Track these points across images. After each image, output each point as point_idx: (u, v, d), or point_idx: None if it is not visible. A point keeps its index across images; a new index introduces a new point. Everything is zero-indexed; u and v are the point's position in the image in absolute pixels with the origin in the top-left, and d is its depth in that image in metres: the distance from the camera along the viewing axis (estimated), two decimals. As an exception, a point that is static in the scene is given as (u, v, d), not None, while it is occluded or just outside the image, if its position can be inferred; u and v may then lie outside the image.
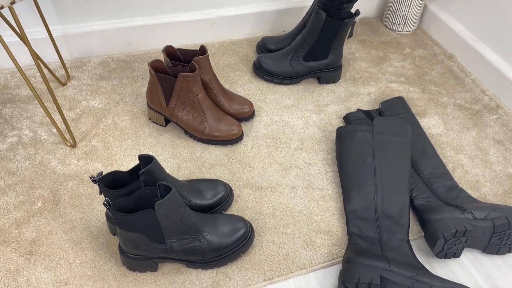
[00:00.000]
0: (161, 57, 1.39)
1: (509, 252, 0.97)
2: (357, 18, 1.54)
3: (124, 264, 0.89)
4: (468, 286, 0.90)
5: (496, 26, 1.33)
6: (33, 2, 1.22)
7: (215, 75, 1.15)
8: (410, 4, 1.49)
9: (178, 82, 1.06)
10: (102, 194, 0.87)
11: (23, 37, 0.95)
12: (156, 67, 1.09)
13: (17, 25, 0.92)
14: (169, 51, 1.12)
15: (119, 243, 0.88)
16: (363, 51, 1.48)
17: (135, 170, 0.86)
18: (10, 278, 0.87)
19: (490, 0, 1.33)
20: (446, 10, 1.51)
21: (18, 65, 0.95)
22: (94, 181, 0.82)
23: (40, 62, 1.22)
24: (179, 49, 1.13)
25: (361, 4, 1.59)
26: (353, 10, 1.62)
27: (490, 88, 1.36)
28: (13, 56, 0.94)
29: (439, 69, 1.43)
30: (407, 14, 1.51)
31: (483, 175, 1.12)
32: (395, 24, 1.55)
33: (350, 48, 1.49)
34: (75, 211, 0.98)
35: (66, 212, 0.98)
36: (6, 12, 1.22)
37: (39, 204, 0.98)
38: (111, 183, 0.85)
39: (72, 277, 0.87)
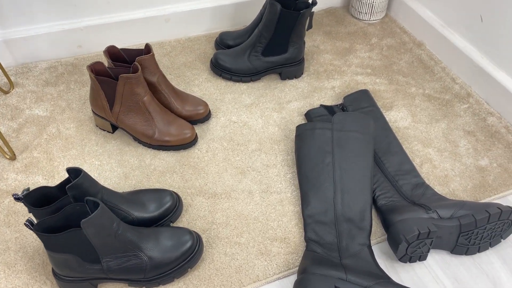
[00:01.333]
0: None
1: (478, 251, 0.91)
2: (314, 8, 1.48)
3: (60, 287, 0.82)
4: (434, 292, 0.84)
5: (464, 11, 1.26)
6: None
7: (163, 75, 1.08)
8: (375, -9, 1.42)
9: (120, 84, 0.98)
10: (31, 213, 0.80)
11: None
12: (97, 70, 1.01)
13: None
14: (112, 52, 1.05)
15: (52, 267, 0.81)
16: (328, 43, 1.41)
17: (64, 184, 0.79)
18: None
19: (456, -17, 1.27)
20: (414, -4, 1.45)
21: None
22: (17, 199, 0.75)
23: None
24: (123, 49, 1.06)
25: (326, -6, 1.52)
26: (310, 0, 1.55)
27: (461, 75, 1.30)
28: None
29: (407, 58, 1.37)
30: (373, 2, 1.44)
31: (452, 169, 1.06)
32: (361, 13, 1.48)
33: (315, 40, 1.42)
34: (10, 230, 0.90)
35: (0, 232, 0.90)
36: None
37: (-29, 225, 0.91)
38: (39, 200, 0.78)
39: (2, 304, 0.80)
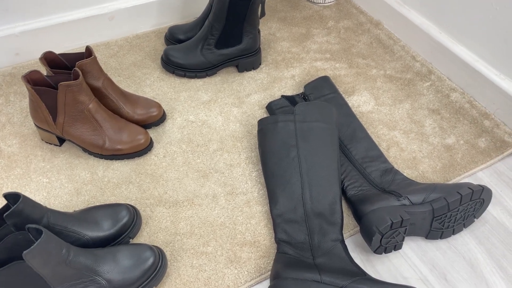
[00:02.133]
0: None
1: (453, 234, 0.89)
2: None
3: (11, 324, 0.74)
4: (411, 283, 0.81)
5: (418, -14, 1.23)
6: None
7: (109, 79, 1.00)
8: (328, -28, 1.37)
9: (60, 93, 0.90)
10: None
11: None
12: (34, 80, 0.92)
13: None
14: (50, 58, 0.96)
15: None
16: (284, 29, 1.36)
17: (2, 212, 0.71)
18: None
19: (409, -42, 1.23)
20: (367, -25, 1.40)
21: None
22: None
23: None
24: (62, 54, 0.97)
25: (277, -22, 1.46)
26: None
27: (421, 53, 1.27)
28: None
29: (366, 40, 1.33)
30: (327, -16, 1.40)
31: (420, 151, 1.03)
32: (316, -5, 1.43)
33: (270, 28, 1.36)
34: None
35: None
36: None
37: None
38: (-25, 232, 0.70)
39: None
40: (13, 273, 0.65)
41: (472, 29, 1.12)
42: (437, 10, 1.20)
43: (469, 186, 0.85)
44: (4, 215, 0.67)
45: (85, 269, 0.71)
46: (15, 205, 0.68)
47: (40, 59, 0.94)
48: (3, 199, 0.91)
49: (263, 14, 1.15)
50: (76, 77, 0.91)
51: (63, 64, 0.98)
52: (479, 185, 0.85)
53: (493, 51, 1.09)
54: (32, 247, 0.63)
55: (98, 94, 0.99)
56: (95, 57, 0.95)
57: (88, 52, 0.96)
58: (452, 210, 0.84)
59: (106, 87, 0.99)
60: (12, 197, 0.70)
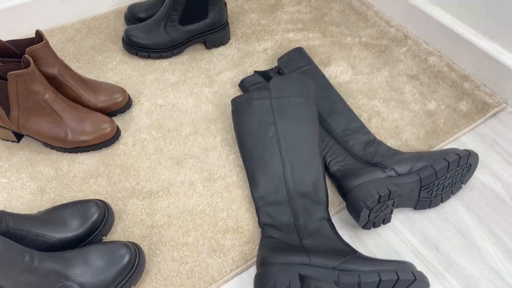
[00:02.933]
0: None
1: (442, 202, 0.86)
2: None
3: None
4: (403, 257, 0.78)
5: None
6: None
7: (65, 65, 0.91)
8: None
9: (11, 85, 0.81)
10: None
11: None
12: (-21, 71, 0.83)
13: None
14: (-4, 46, 0.86)
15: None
16: (251, 1, 1.28)
17: (-47, 221, 0.63)
18: None
19: None
20: None
21: None
22: None
23: None
24: (9, 42, 0.88)
25: None
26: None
27: (395, 17, 1.22)
28: None
29: (338, 7, 1.27)
30: (293, -50, 1.32)
31: (402, 119, 0.99)
32: (282, -37, 1.35)
33: (237, 0, 1.28)
34: None
35: None
36: None
37: None
38: None
39: None
40: (-30, 288, 0.58)
41: (447, -12, 1.08)
42: (410, -30, 1.15)
43: (455, 151, 0.82)
44: (-46, 224, 0.60)
45: (54, 275, 0.65)
46: (-35, 213, 0.61)
47: (-15, 47, 0.84)
48: (-42, 205, 0.83)
49: (228, -15, 1.08)
50: (27, 65, 0.82)
51: (12, 52, 0.89)
52: (465, 150, 0.82)
53: (470, 10, 1.05)
54: (-12, 258, 0.56)
55: (55, 83, 0.90)
56: (47, 42, 0.87)
57: (39, 37, 0.87)
58: (439, 178, 0.81)
59: (63, 74, 0.91)
60: (-38, 204, 0.63)
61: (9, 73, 0.80)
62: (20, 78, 0.81)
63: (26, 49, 0.84)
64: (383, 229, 0.83)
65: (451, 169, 0.81)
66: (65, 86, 0.91)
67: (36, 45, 0.85)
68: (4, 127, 0.90)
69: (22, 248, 0.61)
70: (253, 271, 0.77)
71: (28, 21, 1.15)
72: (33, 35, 1.17)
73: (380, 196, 0.76)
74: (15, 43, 0.88)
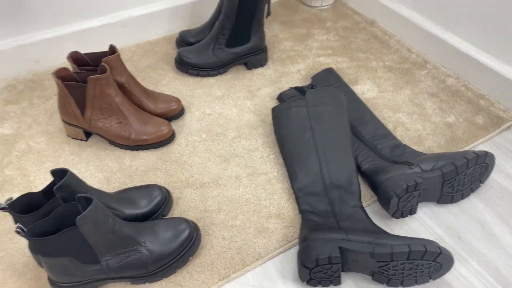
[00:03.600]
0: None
1: (462, 198, 0.95)
2: None
3: (58, 297, 0.78)
4: (429, 239, 0.87)
5: (408, -16, 1.34)
6: None
7: (131, 75, 1.07)
8: (323, -23, 1.47)
9: (89, 87, 0.96)
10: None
11: None
12: (63, 76, 0.98)
13: None
14: (76, 57, 1.02)
15: (47, 276, 0.77)
16: (285, 31, 1.45)
17: (50, 188, 0.76)
18: None
19: (398, -41, 1.34)
20: (359, -22, 1.51)
21: None
22: (2, 208, 0.71)
23: None
24: (86, 54, 1.04)
25: (276, -14, 1.56)
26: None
27: (415, 45, 1.37)
28: None
29: (363, 36, 1.42)
30: (323, -12, 1.50)
31: (424, 129, 1.11)
32: (313, 0, 1.53)
33: (273, 30, 1.45)
34: (-7, 251, 0.85)
35: (-18, 254, 0.85)
36: None
37: (-51, 252, 0.85)
38: (25, 208, 0.74)
39: (-2, 325, 0.75)
40: (65, 239, 0.69)
41: (461, 17, 1.22)
42: (427, 2, 1.30)
43: (474, 151, 0.92)
44: (54, 188, 0.72)
45: (128, 238, 0.76)
46: (63, 179, 0.73)
47: (67, 57, 1.00)
48: (41, 185, 0.96)
49: (269, 13, 1.24)
50: (103, 72, 0.97)
51: (86, 62, 1.04)
52: (483, 150, 0.93)
53: (482, 35, 1.19)
54: (84, 212, 0.68)
55: (122, 90, 1.05)
56: (119, 54, 1.02)
57: (112, 50, 1.03)
58: (460, 174, 0.91)
59: (129, 83, 1.06)
60: (58, 174, 0.75)
61: (90, 76, 0.95)
62: (98, 81, 0.96)
63: (103, 59, 1.00)
64: (410, 219, 0.92)
65: (470, 166, 0.91)
66: (130, 93, 1.06)
67: (111, 56, 1.01)
68: (77, 126, 1.04)
69: (108, 211, 0.73)
70: (295, 250, 0.87)
71: (94, 43, 1.32)
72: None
73: (407, 186, 0.86)
74: (89, 55, 1.04)
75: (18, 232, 0.68)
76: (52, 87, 1.22)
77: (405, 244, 0.76)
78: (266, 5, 1.21)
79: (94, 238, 0.71)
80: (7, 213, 0.91)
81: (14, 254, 0.85)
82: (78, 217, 0.67)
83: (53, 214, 0.71)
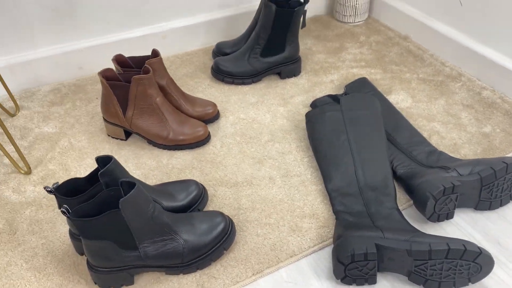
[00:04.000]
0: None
1: (501, 205, 0.93)
2: (307, 6, 1.55)
3: (96, 283, 0.79)
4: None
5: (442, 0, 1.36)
6: (-30, 33, 1.16)
7: (172, 79, 1.11)
8: (357, -7, 1.51)
9: (133, 86, 1.00)
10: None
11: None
12: (107, 76, 1.03)
13: None
14: (120, 60, 1.07)
15: (87, 259, 0.79)
16: (319, 45, 1.48)
17: (94, 175, 0.79)
18: (-35, 319, 0.76)
19: (432, -24, 1.36)
20: (392, -5, 1.54)
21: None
22: (49, 191, 0.74)
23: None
24: (129, 57, 1.09)
25: (309, 3, 1.60)
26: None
27: (449, 59, 1.37)
28: None
29: (396, 50, 1.44)
30: (356, 4, 1.53)
31: (460, 138, 1.10)
32: (346, 16, 1.56)
33: (306, 44, 1.48)
34: (35, 238, 0.88)
35: (25, 240, 0.88)
36: None
37: (-7, 237, 0.89)
38: (70, 193, 0.77)
39: (37, 307, 0.77)
40: (107, 222, 0.71)
41: (495, 30, 1.22)
42: (461, 17, 1.31)
43: (513, 157, 0.91)
44: (99, 172, 0.75)
45: (166, 226, 0.77)
46: (108, 165, 0.76)
47: (112, 60, 1.06)
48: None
49: (303, 25, 1.27)
50: (146, 73, 1.02)
51: (129, 64, 1.09)
52: (522, 156, 0.91)
53: (519, 48, 1.18)
54: (128, 195, 0.70)
55: (162, 92, 1.09)
56: (161, 58, 1.07)
57: (155, 54, 1.08)
58: (499, 179, 0.89)
59: (169, 86, 1.10)
60: (102, 161, 0.78)
61: (133, 76, 0.99)
62: (141, 81, 1.00)
63: (146, 61, 1.04)
64: (446, 224, 0.91)
65: (509, 171, 0.89)
66: (170, 95, 1.10)
67: (154, 58, 1.05)
68: (118, 125, 1.08)
69: (149, 197, 0.75)
70: (329, 249, 0.86)
71: (135, 52, 1.38)
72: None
73: (445, 188, 0.85)
74: (132, 58, 1.09)
75: (63, 213, 0.70)
76: (94, 91, 1.28)
77: (443, 242, 0.75)
78: (302, 16, 1.25)
79: (135, 222, 0.73)
80: (48, 204, 0.94)
81: (54, 242, 0.88)
82: (121, 199, 0.70)
83: (96, 197, 0.73)
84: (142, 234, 0.75)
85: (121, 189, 0.74)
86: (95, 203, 0.73)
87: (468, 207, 0.93)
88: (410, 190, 0.93)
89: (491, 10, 1.22)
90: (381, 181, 0.92)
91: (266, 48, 1.27)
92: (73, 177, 1.00)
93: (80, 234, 0.73)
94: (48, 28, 1.25)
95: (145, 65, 1.02)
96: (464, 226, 0.90)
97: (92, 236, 0.73)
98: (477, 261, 0.75)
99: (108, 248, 0.74)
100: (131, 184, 0.74)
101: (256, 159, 1.05)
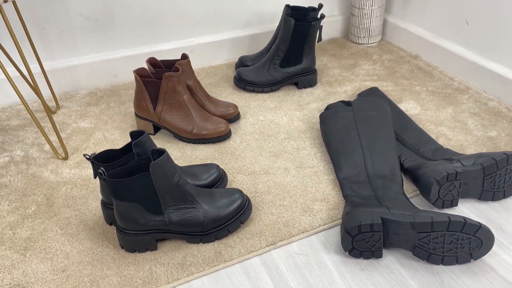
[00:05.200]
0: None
1: (504, 197, 0.98)
2: (323, 21, 1.67)
3: (122, 247, 0.87)
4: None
5: (451, 20, 1.46)
6: (27, 38, 1.31)
7: (198, 81, 1.22)
8: (371, 16, 1.63)
9: (163, 83, 1.12)
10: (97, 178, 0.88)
11: (29, 72, 1.05)
12: (141, 74, 1.15)
13: (23, 62, 1.04)
14: (152, 62, 1.20)
15: (116, 225, 0.87)
16: (334, 62, 1.58)
17: (128, 147, 0.88)
18: (5, 272, 0.84)
19: (440, 0, 1.47)
20: (404, 19, 1.66)
21: (20, 94, 1.04)
22: (88, 158, 0.84)
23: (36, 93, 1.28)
24: (161, 60, 1.21)
25: (326, 27, 1.72)
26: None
27: (457, 75, 1.45)
28: (17, 88, 1.04)
29: (407, 67, 1.53)
30: (370, 26, 1.65)
31: (466, 140, 1.16)
32: (360, 37, 1.68)
33: (322, 60, 1.59)
34: (69, 210, 0.97)
35: (60, 211, 0.97)
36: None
37: (33, 208, 0.98)
38: (105, 161, 0.87)
39: (69, 264, 0.85)
40: (137, 184, 0.80)
41: (500, 45, 1.31)
42: (467, 35, 1.40)
43: (514, 150, 0.97)
44: (133, 143, 0.84)
45: (189, 195, 0.85)
46: (140, 137, 0.85)
47: (146, 61, 1.18)
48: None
49: (320, 39, 1.39)
50: (176, 71, 1.13)
51: (160, 66, 1.21)
52: (523, 150, 0.97)
53: (523, 61, 1.26)
54: (158, 159, 0.79)
55: (189, 91, 1.20)
56: (189, 60, 1.19)
57: (184, 56, 1.20)
58: (500, 169, 0.95)
59: (195, 86, 1.21)
60: (135, 136, 0.88)
61: (164, 74, 1.11)
62: (171, 78, 1.11)
63: (176, 62, 1.16)
64: (451, 211, 0.96)
65: (510, 162, 0.95)
66: (195, 95, 1.21)
67: (183, 60, 1.17)
68: (148, 120, 1.19)
69: (176, 166, 0.84)
70: (338, 228, 0.92)
71: (164, 64, 1.51)
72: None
73: (448, 174, 0.92)
74: (165, 62, 1.21)
75: (99, 174, 0.80)
76: (127, 95, 1.40)
77: (445, 215, 0.80)
78: (318, 30, 1.37)
79: (162, 186, 0.81)
80: (82, 183, 1.04)
81: (86, 213, 0.96)
82: (152, 163, 0.79)
83: (129, 164, 0.82)
84: (168, 199, 0.83)
85: (152, 157, 0.83)
86: (128, 168, 0.82)
87: (472, 197, 0.98)
88: (416, 179, 0.99)
89: (495, 27, 1.31)
90: (389, 171, 0.99)
91: (285, 59, 1.38)
92: (105, 162, 1.10)
93: (112, 195, 0.82)
94: (90, 38, 1.40)
95: (176, 65, 1.14)
96: (468, 213, 0.95)
97: (123, 197, 0.81)
98: (477, 235, 0.80)
99: (136, 210, 0.82)
100: (161, 153, 0.83)
101: (273, 153, 1.13)
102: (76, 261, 0.85)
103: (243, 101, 1.36)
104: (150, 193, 0.82)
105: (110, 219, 0.92)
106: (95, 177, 0.86)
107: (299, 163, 1.10)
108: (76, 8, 1.34)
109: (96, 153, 0.89)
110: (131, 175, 0.83)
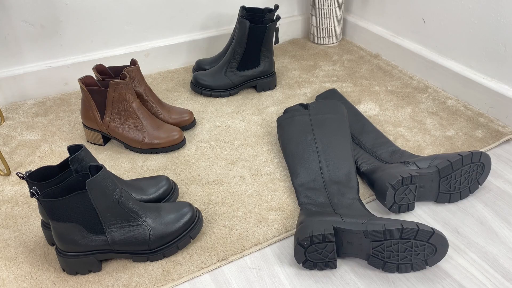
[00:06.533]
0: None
1: (460, 198, 0.97)
2: (279, 23, 1.64)
3: (64, 270, 0.82)
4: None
5: (408, 19, 1.45)
6: (-40, 48, 1.23)
7: (149, 88, 1.17)
8: (330, 16, 1.61)
9: (110, 91, 1.06)
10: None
11: None
12: (87, 83, 1.09)
13: None
14: (100, 69, 1.14)
15: (55, 246, 0.82)
16: (294, 63, 1.56)
17: (65, 163, 0.83)
18: None
19: (397, -3, 1.47)
20: (363, 18, 1.64)
21: None
22: (21, 177, 0.78)
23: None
24: (109, 67, 1.15)
25: (286, 28, 1.70)
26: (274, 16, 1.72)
27: (417, 73, 1.44)
28: None
29: (367, 67, 1.52)
30: (330, 26, 1.63)
31: (424, 141, 1.15)
32: (320, 38, 1.66)
33: (282, 62, 1.56)
34: (9, 231, 0.91)
35: (-2, 233, 0.91)
36: None
37: (-32, 231, 0.91)
38: (42, 179, 0.81)
39: (5, 292, 0.79)
40: (74, 203, 0.75)
41: (458, 44, 1.30)
42: (426, 35, 1.40)
43: (469, 151, 0.95)
44: (70, 159, 0.79)
45: (133, 212, 0.81)
46: (77, 152, 0.80)
47: (92, 68, 1.12)
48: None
49: (277, 41, 1.36)
50: (123, 78, 1.08)
51: (109, 73, 1.15)
52: (478, 150, 0.96)
53: (477, 58, 1.26)
54: (94, 176, 0.74)
55: (140, 99, 1.15)
56: (138, 67, 1.13)
57: (133, 62, 1.14)
58: (455, 170, 0.94)
59: (146, 93, 1.15)
60: (74, 150, 0.83)
61: (111, 81, 1.05)
62: (118, 86, 1.06)
63: (124, 68, 1.11)
64: (407, 216, 0.94)
65: (465, 163, 0.94)
66: (147, 102, 1.16)
67: (131, 66, 1.12)
68: (96, 130, 1.13)
69: (116, 182, 0.79)
70: (293, 238, 0.89)
71: (117, 69, 1.45)
72: (120, 81, 1.46)
73: (403, 178, 0.90)
74: (113, 68, 1.16)
75: (32, 194, 0.74)
76: (78, 104, 1.34)
77: (397, 223, 0.78)
78: (274, 32, 1.33)
79: (101, 204, 0.76)
80: (24, 201, 0.97)
81: (27, 234, 0.90)
82: (88, 180, 0.74)
83: (66, 181, 0.77)
84: (109, 218, 0.78)
85: (90, 173, 0.78)
86: (64, 186, 0.77)
87: (428, 200, 0.97)
88: (371, 184, 0.97)
89: (452, 25, 1.31)
90: (344, 175, 0.96)
91: (242, 62, 1.34)
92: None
93: (49, 216, 0.76)
94: (36, 45, 1.33)
95: (123, 71, 1.09)
96: (425, 217, 0.94)
97: (60, 218, 0.76)
98: (431, 241, 0.78)
99: (75, 231, 0.77)
100: (99, 168, 0.77)
101: (229, 161, 1.09)
102: (13, 287, 0.79)
103: (200, 106, 1.32)
104: (89, 212, 0.77)
105: (51, 240, 0.87)
106: (31, 196, 0.80)
107: (255, 171, 1.06)
108: (19, 15, 1.27)
109: (32, 170, 0.83)
110: (69, 193, 0.78)
